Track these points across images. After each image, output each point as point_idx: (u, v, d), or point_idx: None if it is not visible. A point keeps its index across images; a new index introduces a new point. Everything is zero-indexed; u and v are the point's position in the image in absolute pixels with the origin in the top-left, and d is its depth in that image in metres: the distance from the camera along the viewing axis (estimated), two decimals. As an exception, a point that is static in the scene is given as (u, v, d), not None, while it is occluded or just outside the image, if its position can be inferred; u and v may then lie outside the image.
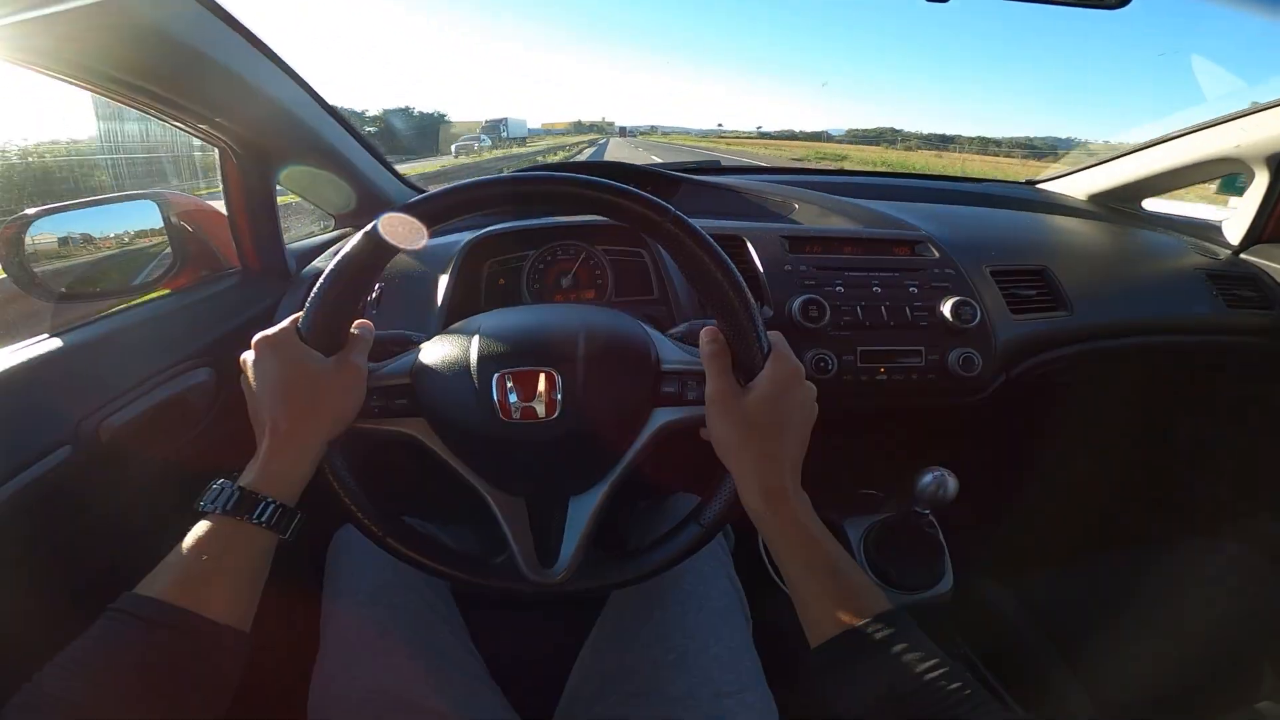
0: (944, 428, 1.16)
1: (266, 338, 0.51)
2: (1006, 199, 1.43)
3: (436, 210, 0.52)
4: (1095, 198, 1.47)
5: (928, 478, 0.86)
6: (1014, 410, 1.17)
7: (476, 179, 0.53)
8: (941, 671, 0.40)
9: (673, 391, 0.56)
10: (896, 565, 0.98)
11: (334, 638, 0.63)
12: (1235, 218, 1.29)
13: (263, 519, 0.45)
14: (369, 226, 0.51)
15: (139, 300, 0.87)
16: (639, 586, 0.60)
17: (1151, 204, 1.46)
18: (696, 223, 0.50)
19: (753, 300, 0.52)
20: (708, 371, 0.53)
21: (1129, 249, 1.27)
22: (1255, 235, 1.27)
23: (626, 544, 0.78)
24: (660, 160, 1.67)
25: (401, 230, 0.50)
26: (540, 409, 0.53)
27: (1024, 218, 1.31)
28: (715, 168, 1.50)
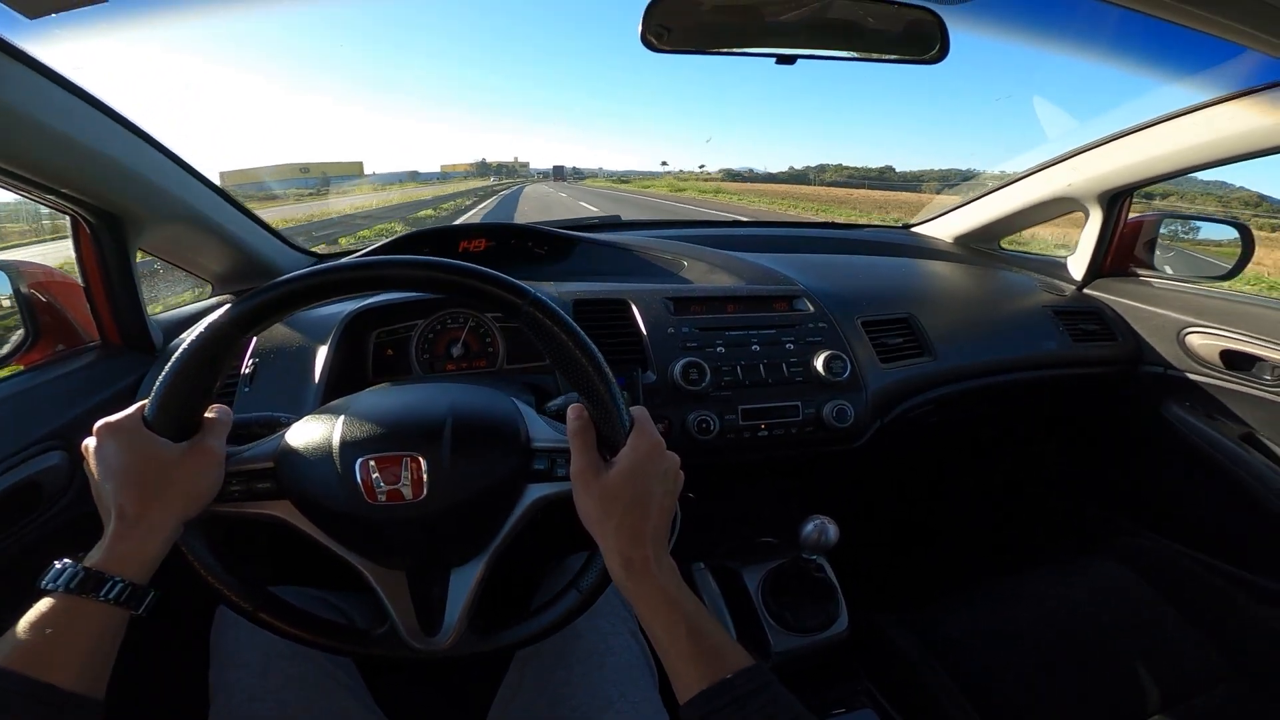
0: (830, 475, 1.22)
1: (108, 424, 0.50)
2: (884, 245, 1.54)
3: (281, 301, 0.52)
4: (960, 239, 1.59)
5: (809, 526, 0.90)
6: (891, 454, 1.24)
7: (325, 266, 0.53)
8: None
9: (543, 469, 0.58)
10: (792, 609, 1.01)
11: (223, 710, 0.62)
12: (1077, 254, 1.42)
13: (110, 597, 0.45)
14: (217, 314, 0.51)
15: None
16: (539, 646, 0.61)
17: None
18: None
19: (613, 379, 0.55)
20: (572, 448, 0.54)
21: (985, 291, 1.37)
22: (1095, 270, 1.39)
23: (530, 603, 0.78)
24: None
25: None
26: (406, 491, 0.53)
27: (895, 265, 1.41)
28: (614, 223, 1.55)
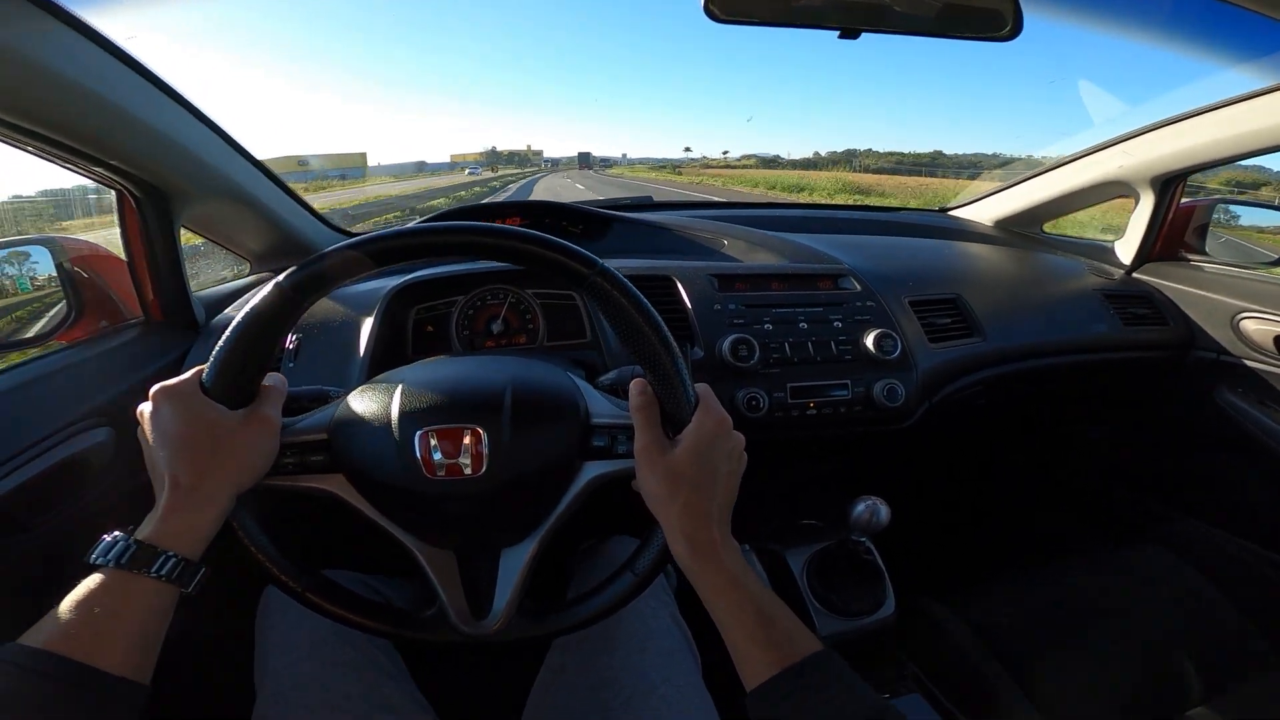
0: (877, 455, 1.20)
1: (166, 388, 0.49)
2: (921, 227, 1.51)
3: (345, 265, 0.51)
4: (1001, 223, 1.56)
5: (860, 507, 0.89)
6: (940, 435, 1.23)
7: (388, 230, 0.52)
8: (871, 713, 0.42)
9: (603, 445, 0.56)
10: (838, 592, 1.00)
11: (271, 696, 0.61)
12: (1126, 238, 1.39)
13: (162, 573, 0.43)
14: (280, 278, 0.50)
15: (29, 355, 0.81)
16: (582, 631, 0.60)
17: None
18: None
19: (679, 353, 0.53)
20: (636, 425, 0.53)
21: (1033, 273, 1.34)
22: (1145, 254, 1.36)
23: (568, 587, 0.78)
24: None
25: None
26: (466, 466, 0.52)
27: (937, 247, 1.38)
28: (648, 204, 1.53)
